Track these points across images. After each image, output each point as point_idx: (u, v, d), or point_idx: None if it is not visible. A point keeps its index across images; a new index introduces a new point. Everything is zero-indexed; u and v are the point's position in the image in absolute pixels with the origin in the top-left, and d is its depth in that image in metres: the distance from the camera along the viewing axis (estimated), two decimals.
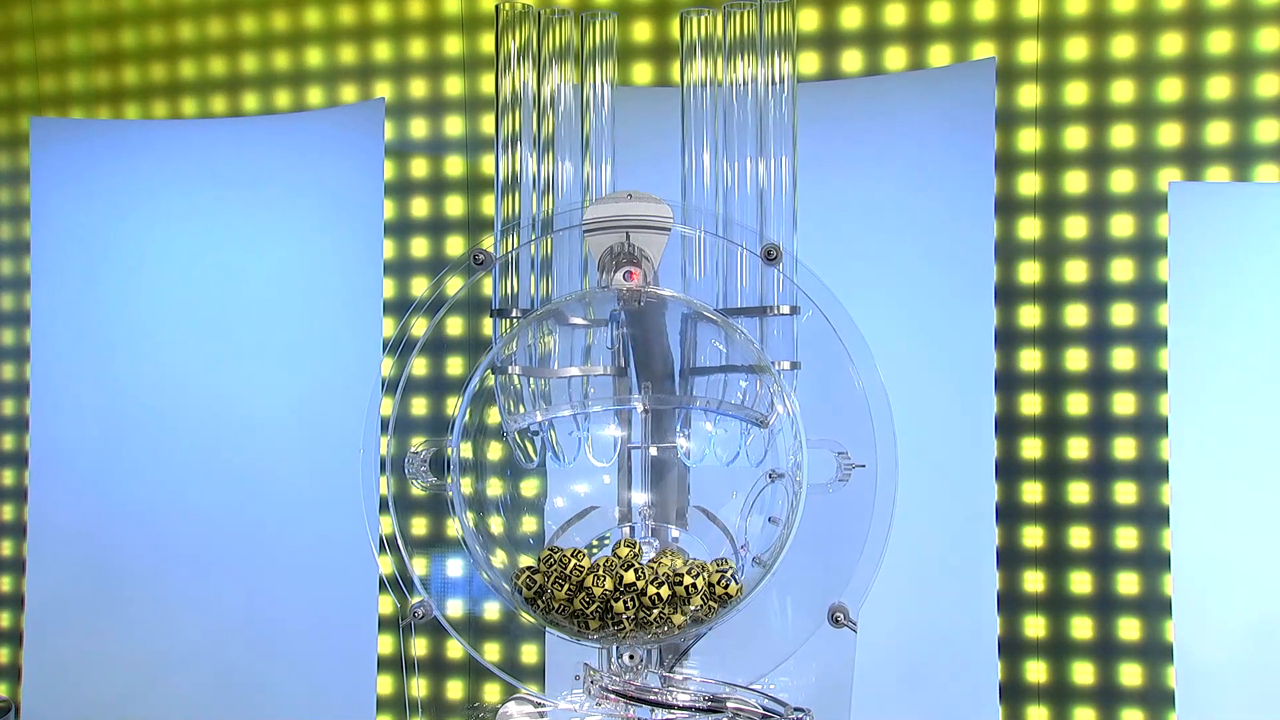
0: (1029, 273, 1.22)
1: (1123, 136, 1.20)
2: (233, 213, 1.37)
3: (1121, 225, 1.20)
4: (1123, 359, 1.20)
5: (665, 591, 0.78)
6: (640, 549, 0.80)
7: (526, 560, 0.84)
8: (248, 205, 1.37)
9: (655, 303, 0.86)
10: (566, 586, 0.78)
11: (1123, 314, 1.20)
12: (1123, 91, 1.20)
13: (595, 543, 0.85)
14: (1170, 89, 1.19)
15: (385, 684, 1.32)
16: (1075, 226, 1.21)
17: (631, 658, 0.83)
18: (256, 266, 1.36)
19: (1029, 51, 1.21)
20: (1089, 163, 1.21)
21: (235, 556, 1.35)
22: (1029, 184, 1.22)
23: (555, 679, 0.97)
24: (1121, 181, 1.20)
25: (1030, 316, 1.22)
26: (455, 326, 1.32)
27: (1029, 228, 1.22)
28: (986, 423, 1.16)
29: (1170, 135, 1.19)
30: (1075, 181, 1.21)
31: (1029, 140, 1.22)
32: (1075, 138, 1.21)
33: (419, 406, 1.32)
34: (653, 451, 0.84)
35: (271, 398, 1.34)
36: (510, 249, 0.91)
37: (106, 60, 1.46)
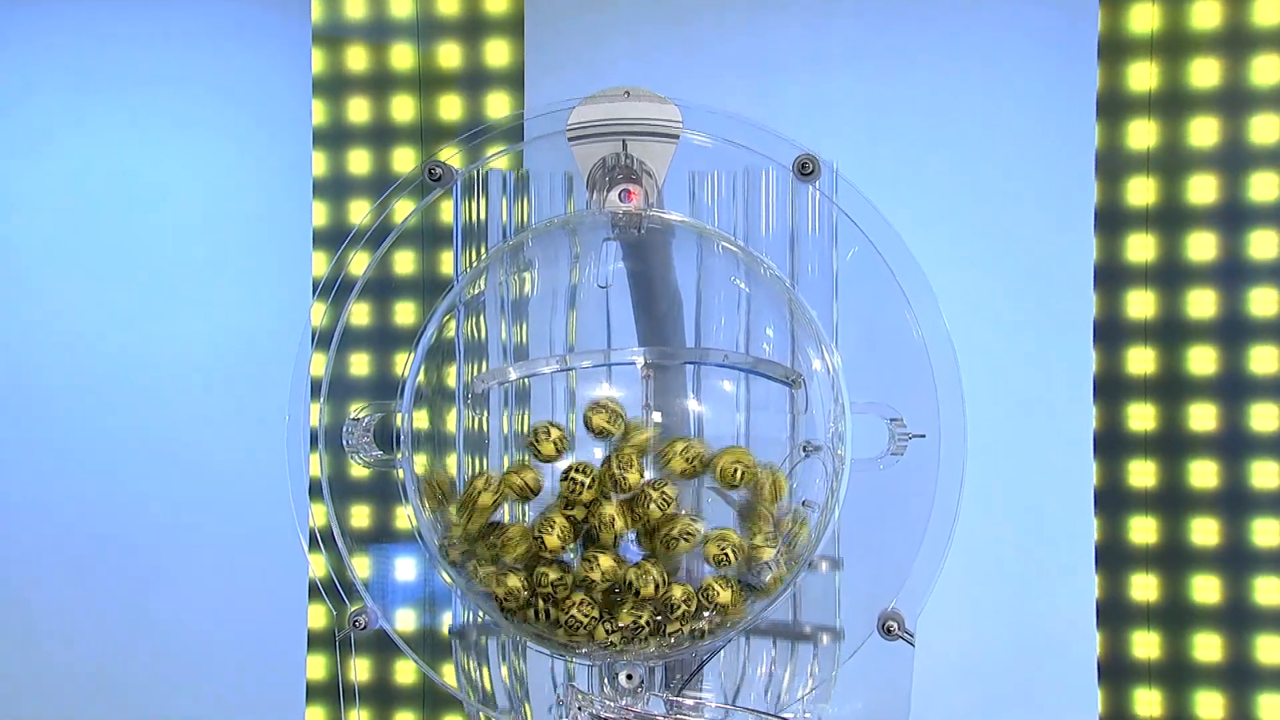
0: (1139, 191, 1.23)
1: None
2: (116, 119, 1.39)
3: (1265, 128, 1.21)
4: (1263, 302, 1.22)
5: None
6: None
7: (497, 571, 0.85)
8: (135, 109, 1.39)
9: (659, 229, 0.87)
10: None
11: (1264, 243, 1.21)
12: None
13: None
14: None
15: (316, 715, 1.35)
16: (1203, 130, 1.23)
17: (630, 678, 0.86)
18: (149, 188, 1.39)
19: None
20: (1222, 47, 1.21)
21: (124, 553, 1.38)
22: (1141, 76, 1.23)
23: (533, 704, 0.99)
24: (1266, 72, 1.21)
25: (1141, 248, 1.23)
26: (405, 263, 1.34)
27: (1140, 134, 1.23)
28: (1083, 384, 1.18)
29: None
30: (1204, 71, 1.22)
31: (1143, 18, 1.23)
32: (1205, 13, 1.21)
33: (359, 364, 1.34)
34: (656, 418, 0.86)
35: (171, 354, 1.37)
36: (475, 162, 0.93)
37: None
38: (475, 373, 0.91)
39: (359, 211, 1.36)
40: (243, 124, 1.37)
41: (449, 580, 0.88)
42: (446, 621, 0.95)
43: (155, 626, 1.37)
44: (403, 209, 0.92)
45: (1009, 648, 1.19)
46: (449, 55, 1.35)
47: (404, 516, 0.89)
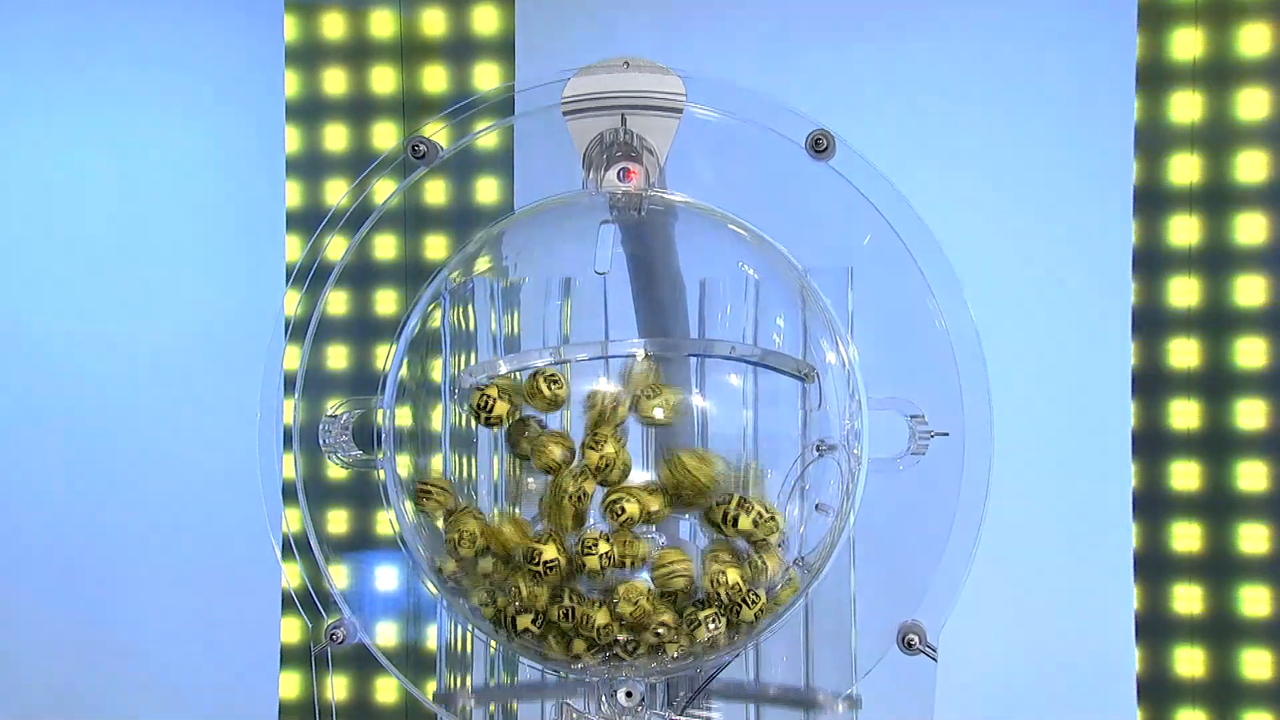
0: (1183, 169, 1.24)
1: None
2: (73, 94, 1.40)
3: None
4: None
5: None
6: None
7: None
8: (94, 83, 1.39)
9: (661, 211, 0.88)
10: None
11: None
12: None
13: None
14: None
15: None
16: (1252, 102, 1.23)
17: (629, 695, 0.87)
18: (107, 168, 1.39)
19: None
20: (1273, 12, 1.21)
21: (80, 561, 1.39)
22: (1185, 43, 1.23)
23: None
24: None
25: (1184, 230, 1.24)
26: (386, 247, 1.35)
27: (1184, 106, 1.24)
28: (1120, 378, 1.19)
29: None
30: (1254, 38, 1.22)
31: None
32: None
33: (337, 356, 1.35)
34: (658, 414, 0.87)
35: (132, 346, 1.38)
36: (462, 138, 0.94)
37: None
38: (462, 366, 0.91)
39: (336, 192, 1.37)
40: (209, 98, 1.38)
41: (434, 591, 0.88)
42: (431, 635, 0.96)
43: (115, 640, 1.38)
44: (383, 189, 0.93)
45: (1040, 664, 1.20)
46: (433, 22, 1.36)
47: (385, 521, 0.89)
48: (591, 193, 0.88)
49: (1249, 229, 1.23)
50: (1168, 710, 1.25)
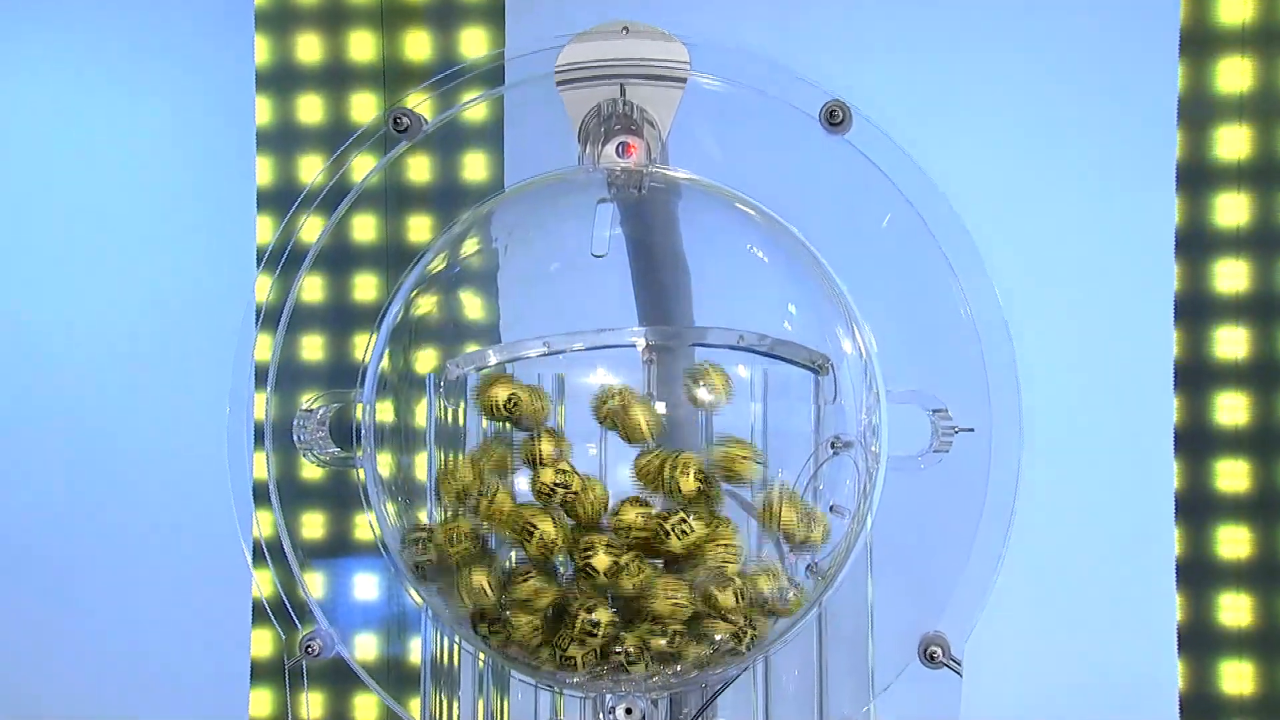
0: (1231, 142, 1.24)
1: None
2: (18, 62, 1.40)
3: None
4: None
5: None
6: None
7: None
8: (48, 53, 1.40)
9: (663, 189, 0.89)
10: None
11: None
12: None
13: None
14: None
15: None
16: None
17: (629, 712, 0.87)
18: (63, 143, 1.40)
19: None
20: None
21: (35, 569, 1.40)
22: (1233, 6, 1.23)
23: None
24: None
25: (1232, 209, 1.24)
26: (365, 228, 1.36)
27: (1232, 74, 1.24)
28: (1161, 370, 1.19)
29: None
30: None
31: None
32: None
33: (312, 347, 1.36)
34: (660, 409, 0.87)
35: (91, 336, 1.38)
36: (448, 110, 0.94)
37: None
38: (448, 356, 0.92)
39: (311, 168, 1.37)
40: (171, 66, 1.38)
41: (418, 600, 0.89)
42: (414, 648, 0.97)
43: (72, 653, 1.39)
44: (362, 165, 0.93)
45: (1074, 679, 1.20)
46: None
47: (365, 525, 0.90)
48: (588, 169, 0.88)
49: None
50: None
